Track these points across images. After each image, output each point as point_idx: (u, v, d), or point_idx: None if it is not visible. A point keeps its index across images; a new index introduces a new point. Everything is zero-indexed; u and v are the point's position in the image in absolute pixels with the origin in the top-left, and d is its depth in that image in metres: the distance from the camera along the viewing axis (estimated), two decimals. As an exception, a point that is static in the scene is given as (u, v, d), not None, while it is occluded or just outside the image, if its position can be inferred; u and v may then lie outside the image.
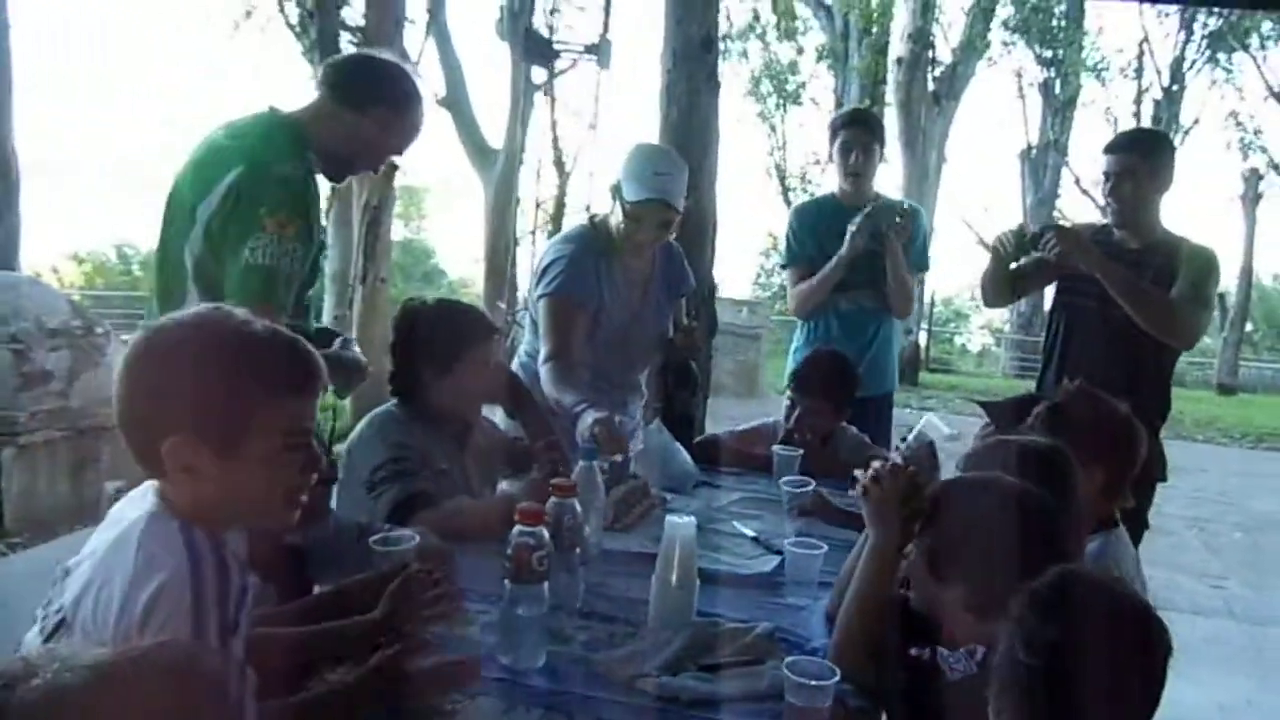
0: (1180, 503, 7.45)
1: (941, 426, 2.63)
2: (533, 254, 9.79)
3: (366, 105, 2.35)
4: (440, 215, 41.07)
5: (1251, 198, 21.48)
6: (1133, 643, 1.19)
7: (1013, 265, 3.26)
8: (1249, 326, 24.75)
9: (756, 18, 19.77)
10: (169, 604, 1.16)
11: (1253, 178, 21.64)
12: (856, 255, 3.49)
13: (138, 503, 1.30)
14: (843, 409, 3.09)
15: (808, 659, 1.51)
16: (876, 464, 1.70)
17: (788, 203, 23.66)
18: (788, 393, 3.16)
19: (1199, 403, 14.41)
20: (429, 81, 13.88)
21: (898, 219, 3.48)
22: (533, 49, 5.51)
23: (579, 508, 1.82)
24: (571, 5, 9.77)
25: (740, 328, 12.69)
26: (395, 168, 11.72)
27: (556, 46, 5.26)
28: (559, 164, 11.69)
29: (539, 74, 11.72)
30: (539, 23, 12.59)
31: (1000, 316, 24.69)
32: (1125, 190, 3.11)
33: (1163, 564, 5.35)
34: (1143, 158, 3.12)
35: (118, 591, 1.18)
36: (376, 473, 2.21)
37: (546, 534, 1.61)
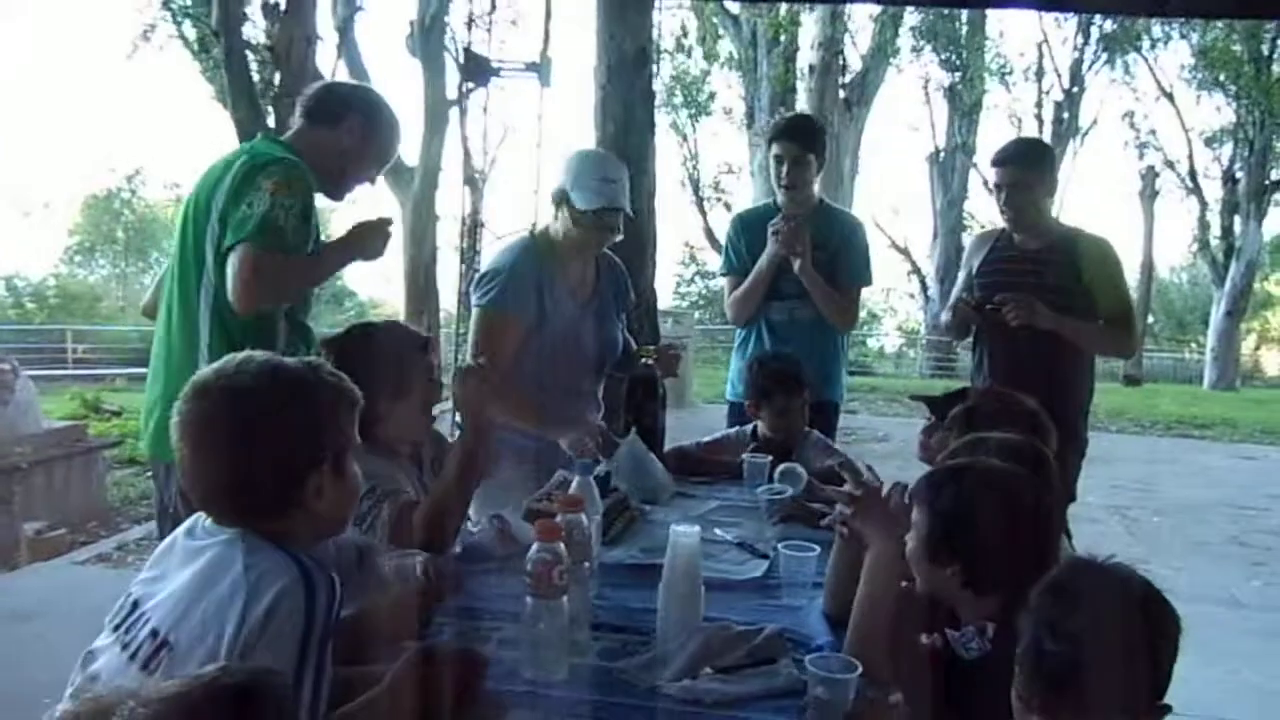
0: (1101, 492, 7.73)
1: (800, 472, 2.77)
2: (472, 272, 9.64)
3: (337, 119, 2.63)
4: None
5: (1148, 194, 22.39)
6: (1149, 622, 1.28)
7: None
8: (1150, 319, 25.74)
9: (685, 33, 19.94)
10: (288, 608, 1.26)
11: (1149, 175, 22.57)
12: (783, 261, 3.53)
13: (202, 535, 1.39)
14: (803, 400, 3.16)
15: (829, 655, 1.59)
16: (849, 488, 1.85)
17: (703, 212, 23.90)
18: (748, 405, 3.22)
19: (1109, 394, 14.90)
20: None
21: (775, 222, 3.49)
22: (472, 68, 5.49)
23: (586, 522, 1.87)
24: (483, 22, 9.71)
25: (666, 339, 12.71)
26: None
27: (496, 65, 5.26)
28: (471, 181, 11.56)
29: (454, 91, 11.63)
30: (452, 39, 12.56)
31: (914, 318, 25.26)
32: (1018, 199, 3.38)
33: (1092, 550, 5.55)
34: (1028, 168, 3.40)
35: (234, 608, 1.27)
36: (361, 504, 2.06)
37: (564, 549, 1.65)
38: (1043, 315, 3.25)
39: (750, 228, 3.74)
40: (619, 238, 2.99)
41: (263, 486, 1.36)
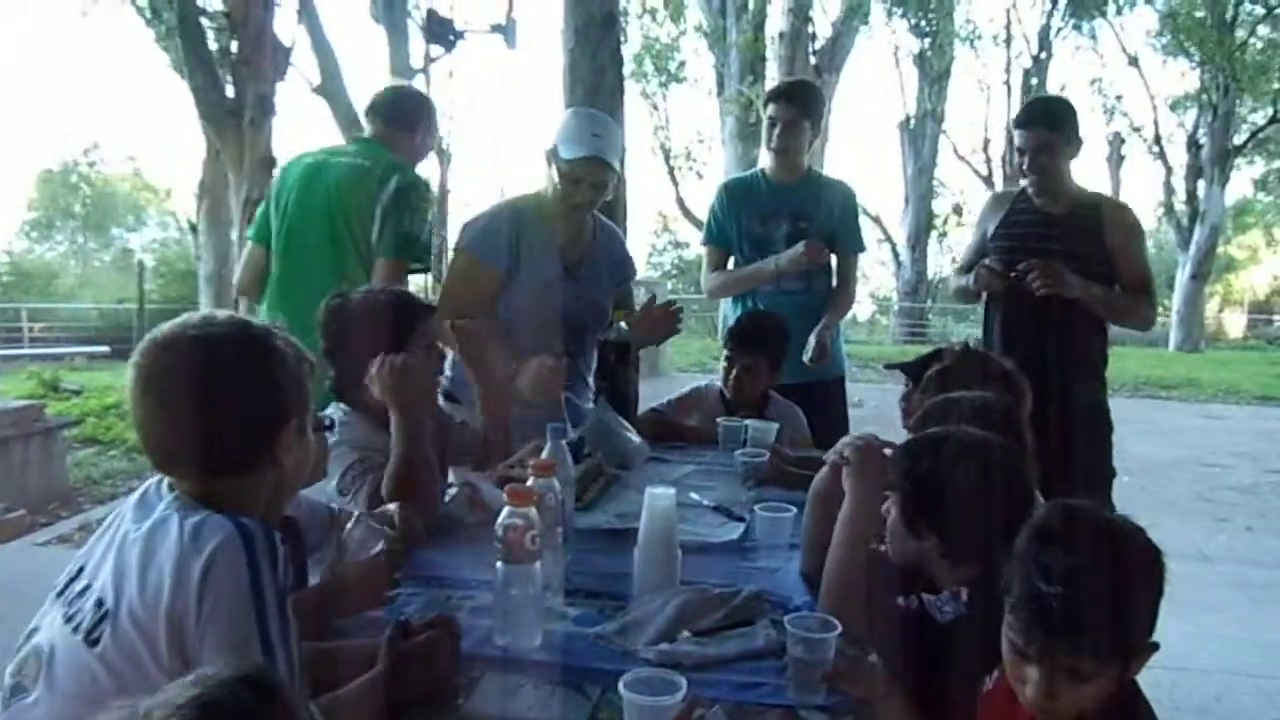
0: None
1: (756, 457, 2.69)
2: (440, 238, 9.51)
3: (414, 124, 3.27)
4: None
5: (1115, 159, 22.55)
6: (1137, 559, 1.28)
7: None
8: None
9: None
10: (225, 566, 1.22)
11: (1115, 140, 22.71)
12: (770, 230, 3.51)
13: (153, 500, 1.34)
14: (776, 366, 3.14)
15: (807, 614, 1.56)
16: (853, 439, 1.82)
17: (674, 181, 23.78)
18: (724, 352, 3.21)
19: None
20: (302, 69, 13.54)
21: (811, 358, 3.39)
22: (435, 30, 5.35)
23: (559, 487, 1.83)
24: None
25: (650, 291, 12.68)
26: (274, 162, 11.36)
27: (460, 27, 5.11)
28: (437, 150, 11.36)
29: (418, 59, 11.47)
30: (416, 6, 12.35)
31: (887, 285, 25.36)
32: (1043, 163, 3.20)
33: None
34: (1054, 129, 3.20)
35: (168, 569, 1.23)
36: (345, 475, 2.15)
37: (536, 514, 1.61)
38: (1070, 283, 3.09)
39: (735, 197, 3.64)
40: (608, 196, 2.94)
41: (233, 442, 1.32)
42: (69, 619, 1.29)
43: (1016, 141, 3.29)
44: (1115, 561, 1.25)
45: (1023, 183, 3.34)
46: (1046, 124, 3.22)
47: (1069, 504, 1.37)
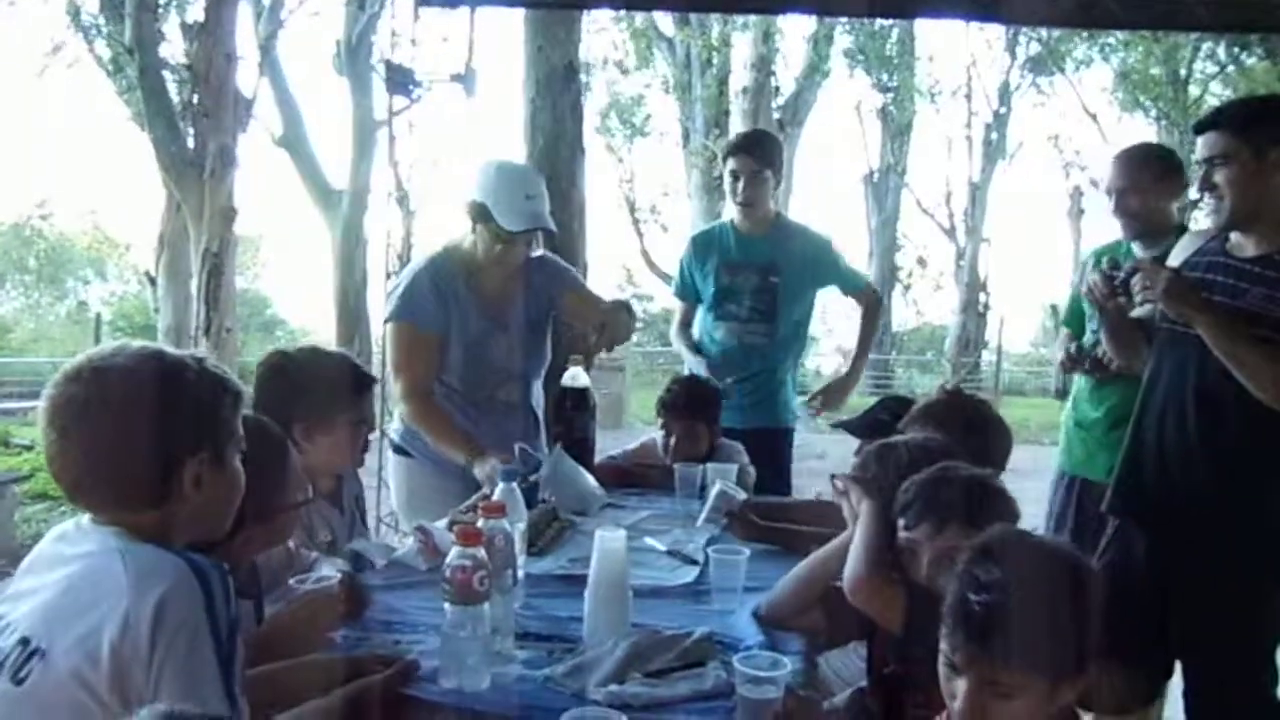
0: (1031, 505, 7.82)
1: (736, 492, 2.62)
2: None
3: None
4: (274, 264, 39.91)
5: (1075, 213, 23.04)
6: (1068, 579, 1.30)
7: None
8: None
9: (617, 47, 20.05)
10: (180, 607, 1.20)
11: (1075, 194, 23.23)
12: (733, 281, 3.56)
13: (76, 538, 1.31)
14: (714, 426, 3.15)
15: (757, 654, 1.56)
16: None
17: (639, 235, 23.87)
18: (659, 422, 3.19)
19: (1040, 408, 15.24)
20: (265, 121, 13.52)
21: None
22: (396, 81, 5.39)
23: (509, 528, 1.81)
24: (408, 36, 9.60)
25: (603, 359, 12.67)
26: (235, 213, 11.32)
27: (420, 77, 5.14)
28: (402, 202, 11.41)
29: (382, 111, 11.49)
30: (380, 59, 12.42)
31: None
32: (1215, 179, 2.27)
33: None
34: (1237, 135, 2.24)
35: (115, 612, 1.19)
36: None
37: (485, 554, 1.59)
38: (1180, 297, 2.16)
39: (702, 250, 3.65)
40: (539, 251, 3.01)
41: (134, 474, 1.30)
42: None
43: (1196, 152, 2.35)
44: (1042, 578, 1.28)
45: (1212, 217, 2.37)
46: (1227, 126, 2.27)
47: (1004, 528, 1.42)
